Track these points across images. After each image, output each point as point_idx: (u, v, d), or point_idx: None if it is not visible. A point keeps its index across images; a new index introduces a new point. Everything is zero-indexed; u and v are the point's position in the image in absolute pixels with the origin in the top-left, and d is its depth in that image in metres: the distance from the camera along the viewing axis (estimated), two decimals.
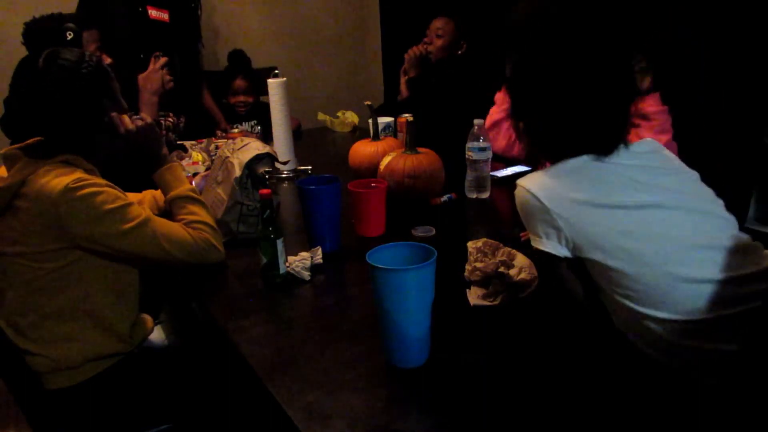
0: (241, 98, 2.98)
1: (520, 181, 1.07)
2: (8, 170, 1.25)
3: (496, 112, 2.08)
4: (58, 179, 1.20)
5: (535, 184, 1.03)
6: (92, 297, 1.29)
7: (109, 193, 1.23)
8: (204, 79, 3.02)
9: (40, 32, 1.79)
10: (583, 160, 1.03)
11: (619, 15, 1.06)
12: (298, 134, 2.95)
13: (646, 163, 1.05)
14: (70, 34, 1.74)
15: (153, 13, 2.68)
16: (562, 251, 1.02)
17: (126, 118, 1.38)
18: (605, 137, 1.03)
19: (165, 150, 1.46)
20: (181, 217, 1.36)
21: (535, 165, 1.93)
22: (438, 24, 2.69)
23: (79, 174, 1.22)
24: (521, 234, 1.39)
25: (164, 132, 2.34)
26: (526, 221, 1.07)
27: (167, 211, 1.43)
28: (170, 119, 2.38)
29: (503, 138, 2.05)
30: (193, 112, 2.84)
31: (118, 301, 1.34)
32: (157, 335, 1.58)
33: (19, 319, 1.27)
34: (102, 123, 1.31)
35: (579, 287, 1.05)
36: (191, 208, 1.37)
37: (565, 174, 1.03)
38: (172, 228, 1.30)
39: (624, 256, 0.97)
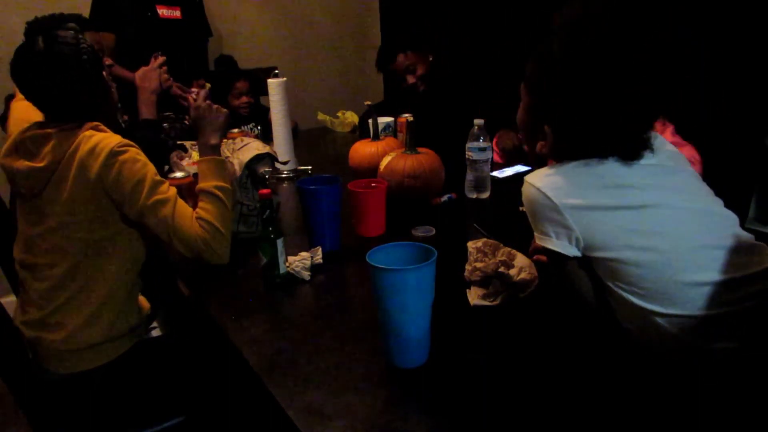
0: (245, 100, 2.97)
1: (529, 178, 1.04)
2: (36, 151, 1.29)
3: None
4: (105, 141, 1.27)
5: (545, 182, 1.01)
6: (128, 271, 1.38)
7: (146, 164, 1.30)
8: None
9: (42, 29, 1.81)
10: (605, 161, 1.00)
11: (666, 18, 1.00)
12: (295, 134, 2.95)
13: (658, 162, 1.03)
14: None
15: (164, 12, 2.69)
16: (573, 251, 1.01)
17: (201, 93, 1.51)
18: (638, 141, 1.01)
19: (215, 140, 1.46)
20: (197, 210, 1.36)
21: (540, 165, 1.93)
22: (401, 61, 2.50)
23: (119, 137, 1.30)
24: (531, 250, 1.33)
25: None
26: (535, 219, 1.04)
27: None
28: (187, 122, 2.36)
29: None
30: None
31: (137, 277, 1.42)
32: (156, 335, 1.59)
33: (60, 293, 1.32)
34: (102, 89, 1.39)
35: (588, 286, 1.04)
36: (207, 204, 1.36)
37: (575, 172, 1.01)
38: (185, 216, 1.30)
39: (632, 254, 0.96)
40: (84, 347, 1.33)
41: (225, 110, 1.50)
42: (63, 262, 1.31)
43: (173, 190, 1.33)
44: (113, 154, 1.26)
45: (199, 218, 1.33)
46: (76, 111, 1.32)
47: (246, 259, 1.42)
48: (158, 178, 1.31)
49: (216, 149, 1.46)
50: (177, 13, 2.73)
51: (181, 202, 1.33)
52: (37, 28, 1.56)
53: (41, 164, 1.28)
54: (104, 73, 1.39)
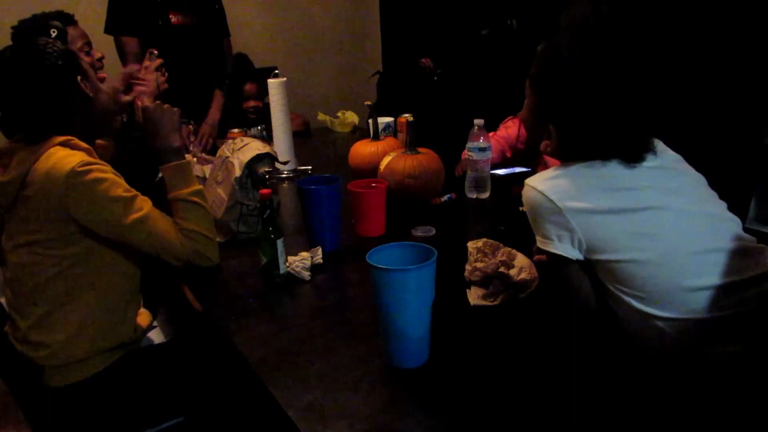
0: (252, 103, 2.89)
1: (530, 181, 1.04)
2: (5, 163, 1.25)
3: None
4: (63, 162, 1.19)
5: (547, 185, 1.01)
6: (112, 287, 1.31)
7: (114, 182, 1.23)
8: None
9: (27, 31, 1.81)
10: (608, 164, 1.00)
11: (671, 22, 1.00)
12: (308, 133, 2.98)
13: (660, 165, 1.03)
14: (54, 31, 1.76)
15: (176, 18, 2.67)
16: (575, 254, 1.00)
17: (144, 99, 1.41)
18: (642, 143, 1.00)
19: (178, 143, 1.38)
20: (177, 221, 1.32)
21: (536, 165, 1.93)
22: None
23: (82, 156, 1.22)
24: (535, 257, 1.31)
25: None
26: (536, 223, 1.04)
27: None
28: (191, 126, 2.35)
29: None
30: (226, 113, 2.81)
31: (128, 292, 1.36)
32: (157, 335, 1.58)
33: (32, 309, 1.27)
34: (76, 100, 1.30)
35: (589, 288, 1.04)
36: (186, 213, 1.32)
37: (577, 175, 1.01)
38: (166, 229, 1.28)
39: (632, 257, 0.96)
40: (71, 362, 1.28)
41: (176, 109, 1.42)
42: (31, 279, 1.26)
43: (148, 203, 1.27)
44: (72, 175, 1.17)
45: (182, 229, 1.30)
46: (42, 124, 1.25)
47: (246, 259, 1.42)
48: (130, 193, 1.24)
49: (179, 153, 1.37)
50: (189, 19, 2.70)
51: (159, 214, 1.28)
52: (23, 28, 1.54)
53: (7, 178, 1.22)
54: (79, 79, 1.30)
